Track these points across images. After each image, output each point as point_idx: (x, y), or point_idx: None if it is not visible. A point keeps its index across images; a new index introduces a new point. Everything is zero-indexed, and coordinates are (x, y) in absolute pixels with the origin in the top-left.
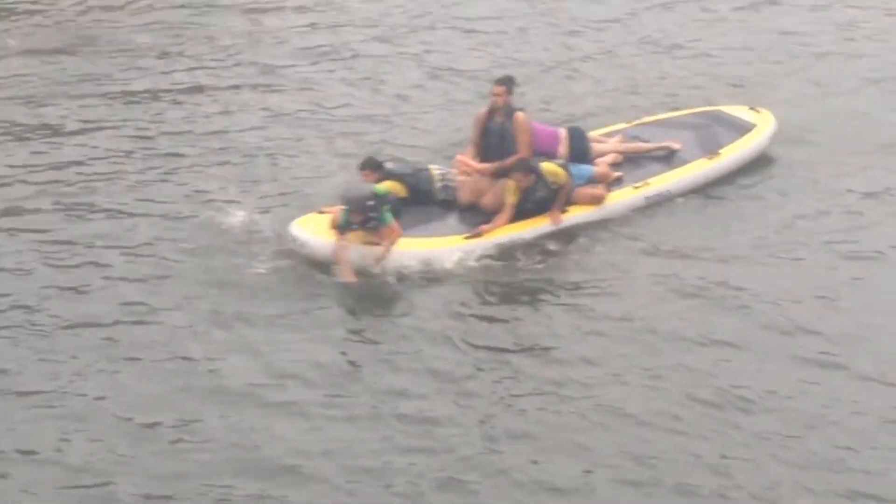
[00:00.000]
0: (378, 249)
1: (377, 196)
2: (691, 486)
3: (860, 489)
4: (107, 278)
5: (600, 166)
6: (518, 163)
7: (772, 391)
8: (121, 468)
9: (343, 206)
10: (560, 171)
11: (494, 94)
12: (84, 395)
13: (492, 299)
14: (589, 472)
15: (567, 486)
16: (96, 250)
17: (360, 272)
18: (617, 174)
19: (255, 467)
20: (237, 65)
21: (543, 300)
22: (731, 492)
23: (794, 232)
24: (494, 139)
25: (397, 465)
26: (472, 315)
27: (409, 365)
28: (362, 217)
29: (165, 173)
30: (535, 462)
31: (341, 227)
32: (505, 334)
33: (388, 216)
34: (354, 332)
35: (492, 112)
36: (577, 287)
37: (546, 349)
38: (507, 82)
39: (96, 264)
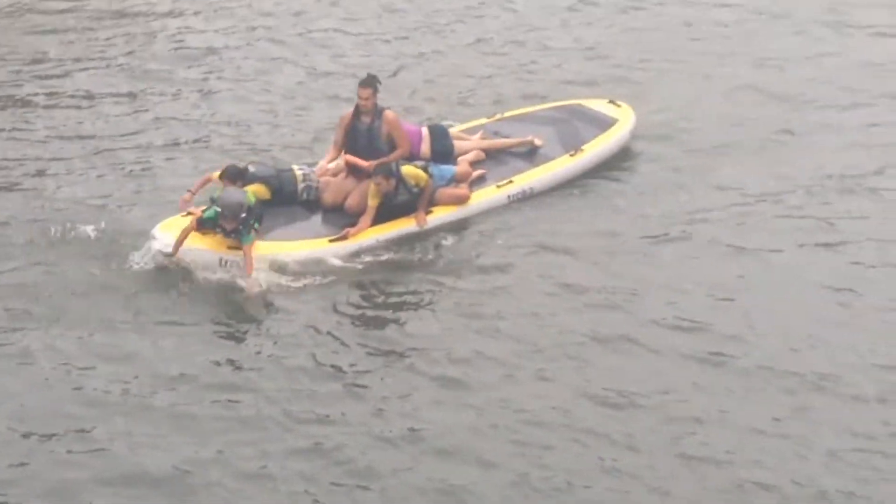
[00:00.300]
0: (240, 260)
1: (250, 208)
2: (584, 485)
3: (752, 480)
4: None
5: (462, 165)
6: (377, 167)
7: (660, 387)
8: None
9: (215, 209)
10: (421, 173)
11: (361, 98)
12: None
13: (361, 301)
14: (484, 470)
15: (459, 486)
16: None
17: (213, 274)
18: (479, 172)
19: (141, 476)
20: (116, 68)
21: (414, 300)
22: (623, 486)
23: (661, 225)
24: (362, 140)
25: (287, 470)
26: (344, 316)
27: (289, 365)
28: (234, 225)
29: (35, 177)
30: (423, 463)
31: (202, 223)
32: (378, 335)
33: (250, 237)
34: (229, 335)
35: (358, 113)
36: (446, 286)
37: (421, 349)
38: (372, 83)
39: None
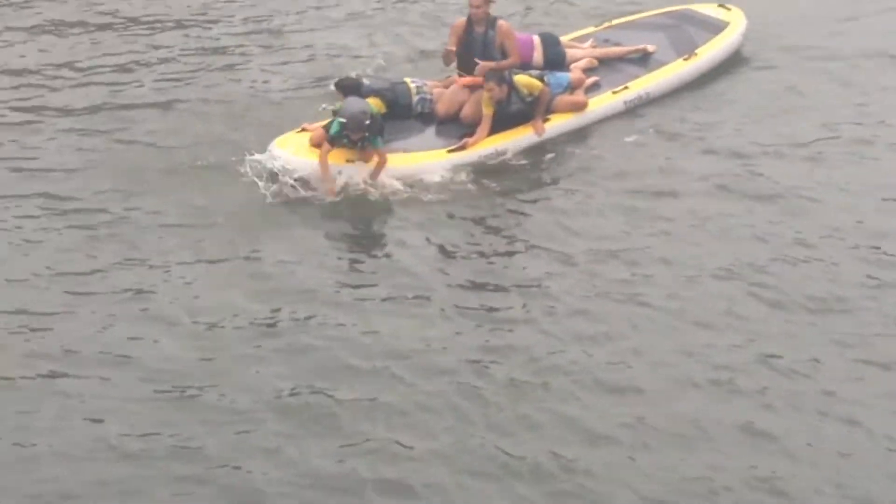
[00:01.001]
0: (366, 168)
1: (372, 115)
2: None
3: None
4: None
5: (575, 72)
6: (488, 73)
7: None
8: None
9: (339, 121)
10: (535, 82)
11: (473, 6)
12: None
13: (481, 215)
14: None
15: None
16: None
17: (344, 190)
18: (593, 79)
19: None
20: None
21: (537, 213)
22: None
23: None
24: (477, 49)
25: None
26: (462, 232)
27: (409, 295)
28: (360, 134)
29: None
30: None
31: (332, 139)
32: (500, 257)
33: (379, 140)
34: (348, 255)
35: (471, 23)
36: (567, 199)
37: (540, 278)
38: None
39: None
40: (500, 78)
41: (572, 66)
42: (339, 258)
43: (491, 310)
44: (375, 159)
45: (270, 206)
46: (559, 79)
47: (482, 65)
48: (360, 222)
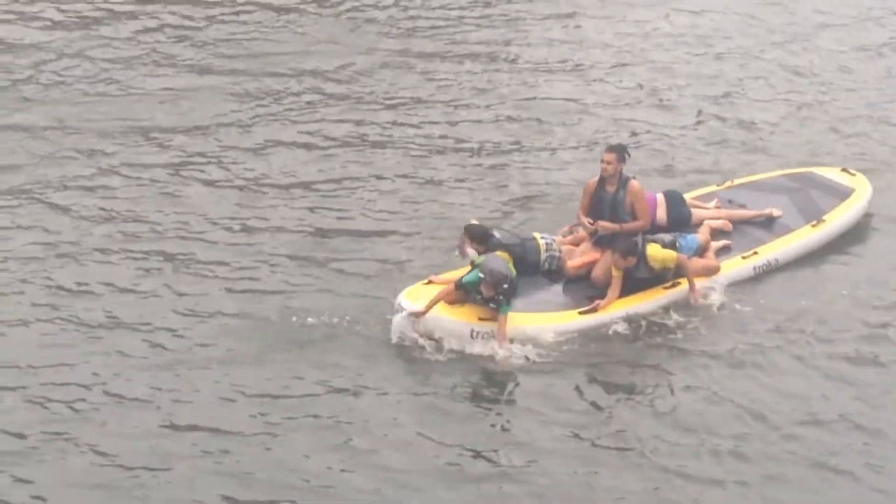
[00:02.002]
0: (491, 331)
1: (511, 280)
2: None
3: None
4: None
5: (703, 234)
6: (618, 245)
7: None
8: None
9: (478, 274)
10: (669, 255)
11: (605, 163)
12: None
13: (614, 379)
14: None
15: None
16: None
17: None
18: (724, 242)
19: None
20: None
21: (663, 384)
22: None
23: None
24: (606, 209)
25: None
26: (591, 395)
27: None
28: (492, 294)
29: None
30: None
31: (462, 286)
32: (630, 417)
33: (509, 307)
34: (476, 407)
35: (602, 181)
36: (700, 367)
37: (672, 442)
38: (619, 150)
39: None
40: (626, 250)
41: (704, 224)
42: (453, 414)
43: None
44: (502, 325)
45: (393, 355)
46: (689, 242)
47: (602, 224)
48: (481, 381)
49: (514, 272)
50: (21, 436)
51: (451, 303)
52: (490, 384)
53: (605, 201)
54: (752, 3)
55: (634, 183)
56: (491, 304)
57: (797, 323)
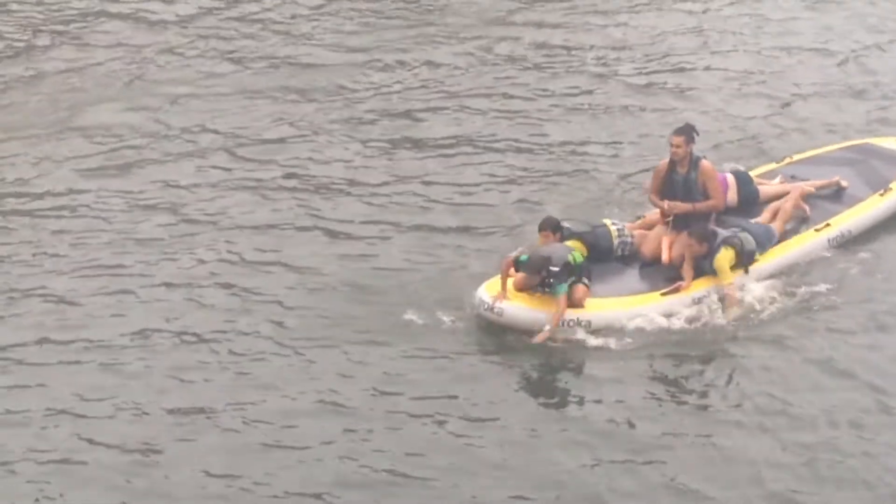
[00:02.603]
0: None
1: (567, 264)
2: None
3: None
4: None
5: (778, 224)
6: (692, 228)
7: None
8: None
9: (525, 255)
10: (725, 274)
11: (674, 146)
12: None
13: (695, 363)
14: None
15: None
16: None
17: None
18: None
19: None
20: None
21: (751, 362)
22: None
23: None
24: (678, 191)
25: None
26: (669, 380)
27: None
28: (536, 278)
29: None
30: None
31: (516, 264)
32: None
33: (563, 287)
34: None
35: (673, 164)
36: (780, 344)
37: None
38: (687, 132)
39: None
40: (702, 235)
41: (776, 217)
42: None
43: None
44: (558, 306)
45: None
46: (769, 234)
47: (673, 205)
48: (555, 368)
49: (573, 259)
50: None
51: (523, 289)
52: (568, 371)
53: (677, 183)
54: None
55: (705, 163)
56: (545, 289)
57: (878, 301)
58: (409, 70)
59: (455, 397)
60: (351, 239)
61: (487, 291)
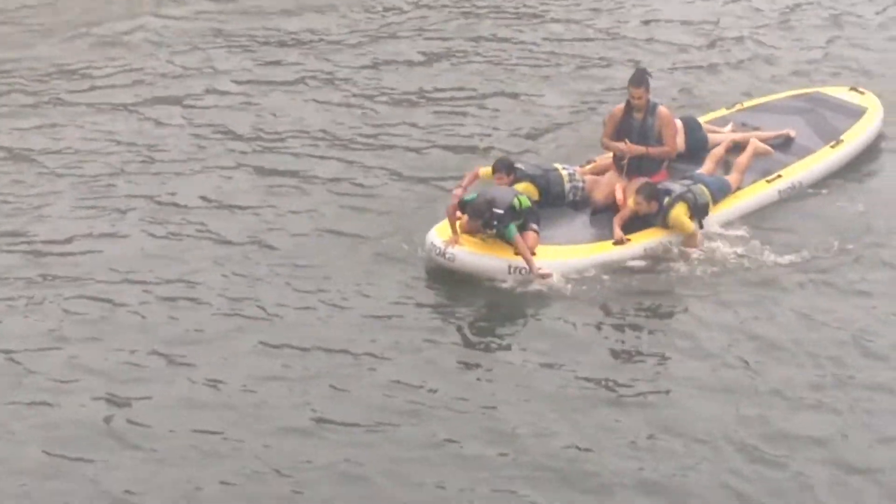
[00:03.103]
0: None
1: (511, 207)
2: None
3: None
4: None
5: (735, 175)
6: (640, 186)
7: None
8: None
9: (472, 196)
10: (685, 227)
11: (634, 98)
12: None
13: (640, 313)
14: None
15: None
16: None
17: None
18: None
19: None
20: None
21: (690, 318)
22: None
23: None
24: (635, 136)
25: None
26: (620, 327)
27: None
28: (476, 222)
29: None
30: None
31: (461, 205)
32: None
33: (511, 229)
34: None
35: (630, 109)
36: (733, 298)
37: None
38: (645, 81)
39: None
40: (649, 193)
41: (734, 168)
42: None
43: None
44: (518, 248)
45: (426, 287)
46: (723, 186)
47: (627, 147)
48: (508, 313)
49: (522, 202)
50: None
51: (471, 232)
52: (516, 323)
53: (633, 128)
54: None
55: (663, 109)
56: (491, 231)
57: (826, 253)
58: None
59: (401, 349)
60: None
61: (438, 235)
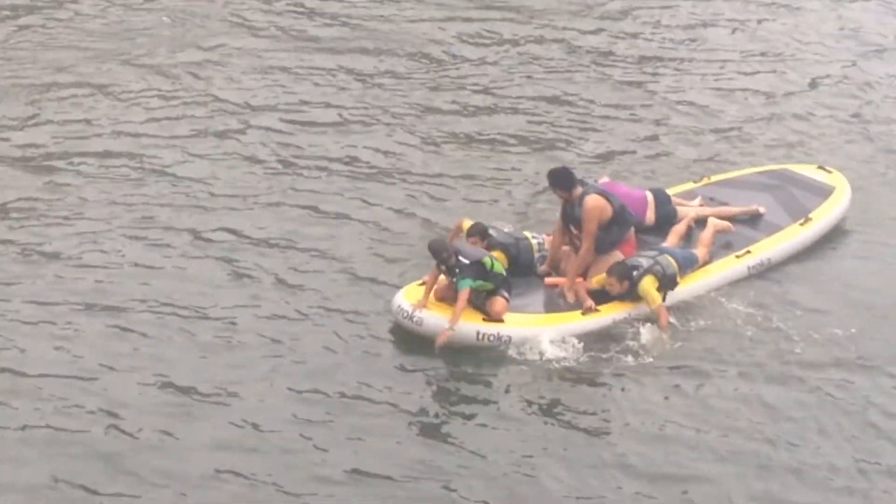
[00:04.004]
0: (497, 333)
1: (479, 263)
2: None
3: None
4: None
5: (702, 249)
6: (615, 266)
7: None
8: None
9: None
10: (653, 299)
11: (558, 196)
12: None
13: (602, 383)
14: None
15: None
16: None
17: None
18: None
19: None
20: None
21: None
22: None
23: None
24: (576, 222)
25: None
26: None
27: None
28: (439, 258)
29: None
30: None
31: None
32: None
33: (466, 282)
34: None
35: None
36: (698, 371)
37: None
38: (559, 183)
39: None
40: (621, 274)
41: (700, 244)
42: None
43: None
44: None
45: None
46: (690, 259)
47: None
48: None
49: (494, 265)
50: None
51: (444, 298)
52: (483, 385)
53: (574, 216)
54: None
55: (588, 200)
56: (453, 279)
57: (793, 326)
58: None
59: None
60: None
61: (406, 298)
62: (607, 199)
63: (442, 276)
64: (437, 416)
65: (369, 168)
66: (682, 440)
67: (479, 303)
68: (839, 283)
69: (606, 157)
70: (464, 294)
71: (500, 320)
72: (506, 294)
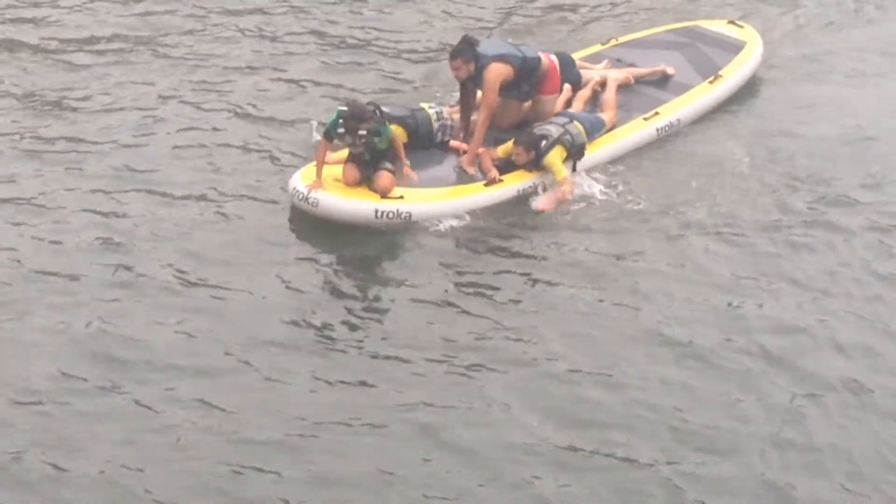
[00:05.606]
0: (397, 209)
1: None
2: None
3: None
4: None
5: (608, 113)
6: (523, 135)
7: None
8: None
9: (339, 109)
10: (559, 173)
11: (454, 69)
12: None
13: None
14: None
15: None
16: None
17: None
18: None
19: None
20: None
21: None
22: None
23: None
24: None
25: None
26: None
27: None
28: (360, 125)
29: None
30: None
31: (326, 133)
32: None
33: (388, 129)
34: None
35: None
36: (606, 241)
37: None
38: (460, 53)
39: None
40: (528, 144)
41: (605, 105)
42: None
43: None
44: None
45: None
46: (596, 124)
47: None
48: (373, 256)
49: (385, 137)
50: None
51: (349, 183)
52: (384, 266)
53: (474, 93)
54: None
55: (491, 69)
56: (364, 145)
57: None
58: None
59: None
60: None
61: (302, 179)
62: (505, 61)
63: (335, 154)
64: (339, 302)
65: None
66: (583, 302)
67: (368, 179)
68: (747, 141)
69: (504, 21)
70: (395, 138)
71: (386, 196)
72: (389, 166)
